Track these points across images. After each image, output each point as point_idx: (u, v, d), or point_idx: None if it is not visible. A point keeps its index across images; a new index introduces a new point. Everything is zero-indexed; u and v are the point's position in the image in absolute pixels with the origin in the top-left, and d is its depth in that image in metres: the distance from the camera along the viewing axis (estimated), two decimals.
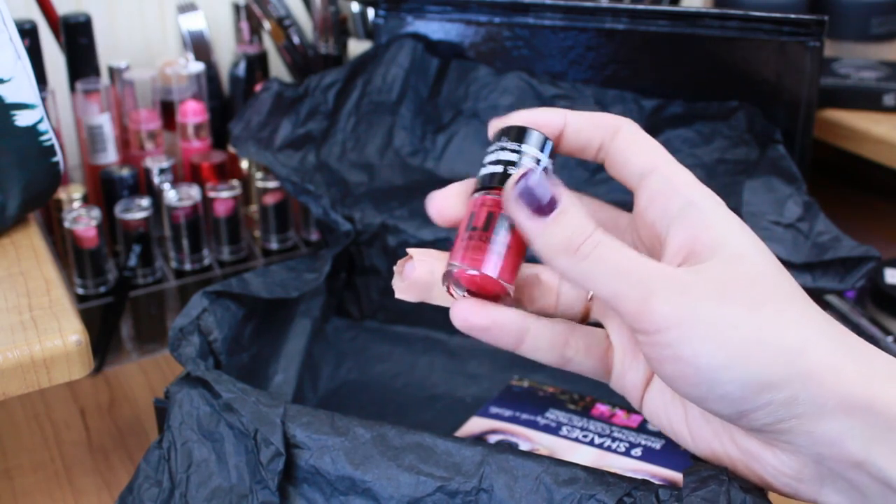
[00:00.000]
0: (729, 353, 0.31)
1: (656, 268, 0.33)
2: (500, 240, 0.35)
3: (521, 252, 0.36)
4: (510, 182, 0.34)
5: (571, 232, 0.33)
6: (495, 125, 0.38)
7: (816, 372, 0.31)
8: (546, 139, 0.37)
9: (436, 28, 0.62)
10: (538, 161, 0.36)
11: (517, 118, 0.38)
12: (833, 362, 0.31)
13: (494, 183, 0.36)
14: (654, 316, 0.32)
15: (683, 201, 0.35)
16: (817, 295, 0.61)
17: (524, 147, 0.36)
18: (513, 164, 0.36)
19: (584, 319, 0.40)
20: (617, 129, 0.37)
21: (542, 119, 0.38)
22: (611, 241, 0.34)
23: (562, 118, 0.38)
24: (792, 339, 0.32)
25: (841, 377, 0.31)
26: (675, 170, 0.36)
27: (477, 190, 0.37)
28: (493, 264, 0.35)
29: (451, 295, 0.37)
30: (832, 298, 0.63)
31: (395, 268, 0.38)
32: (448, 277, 0.36)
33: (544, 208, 0.34)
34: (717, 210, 0.35)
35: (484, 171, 0.37)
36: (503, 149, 0.37)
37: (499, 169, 0.36)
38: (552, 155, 0.37)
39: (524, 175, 0.34)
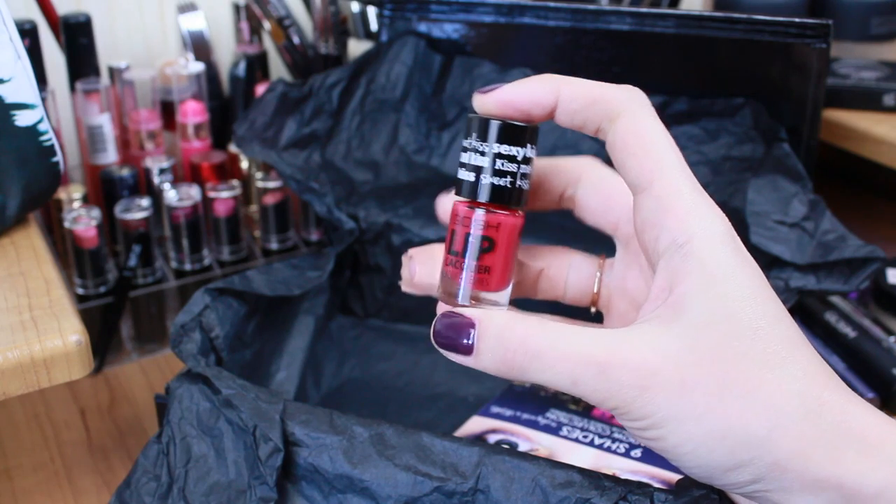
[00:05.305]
0: (694, 444, 0.31)
1: (607, 351, 0.31)
2: (483, 264, 0.35)
3: (511, 259, 0.36)
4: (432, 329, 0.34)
5: (500, 353, 0.33)
6: (478, 101, 0.35)
7: (782, 459, 0.30)
8: (524, 130, 0.35)
9: (440, 29, 0.62)
10: (514, 159, 0.35)
11: (502, 96, 0.35)
12: (800, 448, 0.30)
13: (469, 195, 0.35)
14: (616, 409, 0.32)
15: (670, 240, 0.32)
16: (821, 296, 0.61)
17: (499, 147, 0.35)
18: (483, 170, 0.35)
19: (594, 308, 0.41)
20: (617, 114, 0.34)
21: (528, 98, 0.34)
22: (540, 336, 0.32)
23: (553, 96, 0.34)
24: (756, 428, 0.30)
25: (808, 462, 0.30)
26: (672, 188, 0.32)
27: (457, 193, 0.36)
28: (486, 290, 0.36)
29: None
30: (835, 299, 0.63)
31: (403, 257, 0.39)
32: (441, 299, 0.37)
33: (463, 346, 0.33)
34: (700, 254, 0.32)
35: (461, 171, 0.36)
36: (475, 150, 0.35)
37: (471, 177, 0.35)
38: (534, 140, 0.35)
39: (436, 322, 0.34)
